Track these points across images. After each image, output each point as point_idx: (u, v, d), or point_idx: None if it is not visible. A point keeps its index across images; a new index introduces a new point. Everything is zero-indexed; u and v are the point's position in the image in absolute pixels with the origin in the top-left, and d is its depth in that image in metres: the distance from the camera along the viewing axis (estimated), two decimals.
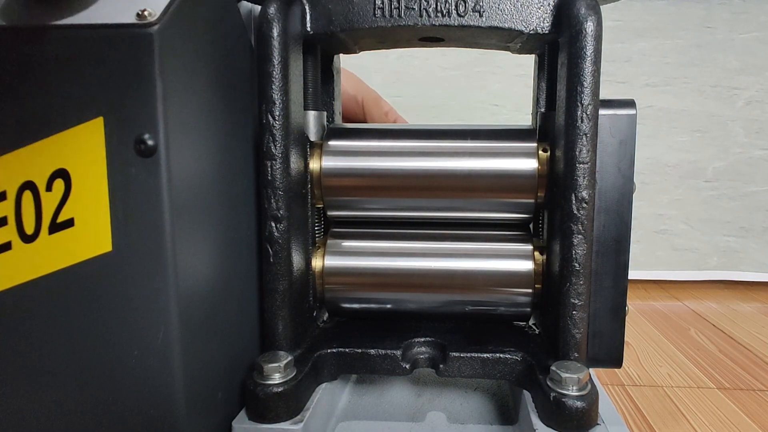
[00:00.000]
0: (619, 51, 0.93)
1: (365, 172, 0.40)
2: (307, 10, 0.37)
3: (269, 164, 0.35)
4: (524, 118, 0.48)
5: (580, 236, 0.34)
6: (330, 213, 0.43)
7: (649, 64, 0.93)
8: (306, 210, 0.40)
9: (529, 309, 0.41)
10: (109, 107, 0.27)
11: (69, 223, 0.28)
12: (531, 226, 0.44)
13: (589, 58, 0.33)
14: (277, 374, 0.34)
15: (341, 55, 0.47)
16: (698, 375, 0.61)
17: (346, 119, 0.59)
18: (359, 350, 0.38)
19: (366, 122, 0.62)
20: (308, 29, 0.37)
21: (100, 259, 0.28)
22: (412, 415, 0.41)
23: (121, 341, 0.29)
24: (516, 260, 0.41)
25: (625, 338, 0.39)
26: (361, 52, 0.45)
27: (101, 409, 0.29)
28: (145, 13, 0.27)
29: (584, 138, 0.33)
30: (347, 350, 0.38)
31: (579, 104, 0.33)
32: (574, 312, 0.35)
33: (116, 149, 0.27)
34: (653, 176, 0.95)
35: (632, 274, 0.91)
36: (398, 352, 0.38)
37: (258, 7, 0.35)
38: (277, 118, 0.34)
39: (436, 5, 0.36)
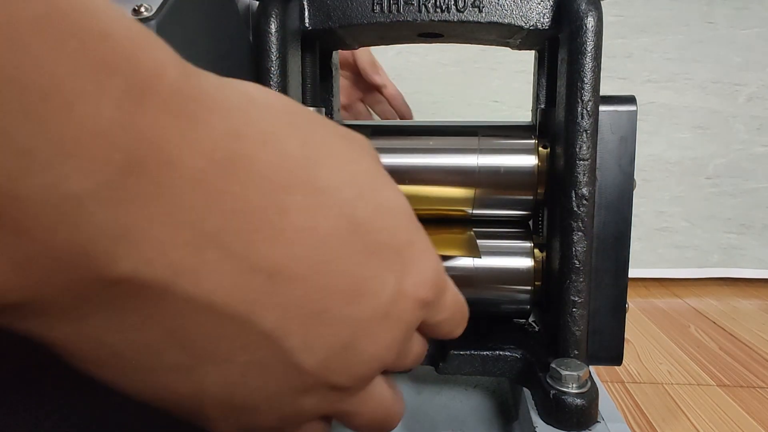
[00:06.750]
0: (620, 47, 0.92)
1: None
2: (305, 6, 0.37)
3: None
4: (524, 115, 0.48)
5: (580, 233, 0.34)
6: None
7: (651, 60, 0.93)
8: None
9: (528, 306, 0.41)
10: None
11: None
12: (530, 223, 0.44)
13: (589, 54, 0.32)
14: None
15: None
16: (698, 372, 0.61)
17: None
18: None
19: (358, 82, 0.64)
20: (306, 25, 0.37)
21: None
22: (412, 412, 0.41)
23: None
24: (515, 257, 0.41)
25: (625, 335, 0.39)
26: (360, 48, 0.45)
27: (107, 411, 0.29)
28: (141, 8, 0.26)
29: (584, 134, 0.33)
30: None
31: (579, 100, 0.33)
32: (574, 309, 0.35)
33: None
34: (654, 173, 0.95)
35: (632, 272, 0.91)
36: None
37: (256, 3, 0.35)
38: None
39: (435, 0, 0.36)
